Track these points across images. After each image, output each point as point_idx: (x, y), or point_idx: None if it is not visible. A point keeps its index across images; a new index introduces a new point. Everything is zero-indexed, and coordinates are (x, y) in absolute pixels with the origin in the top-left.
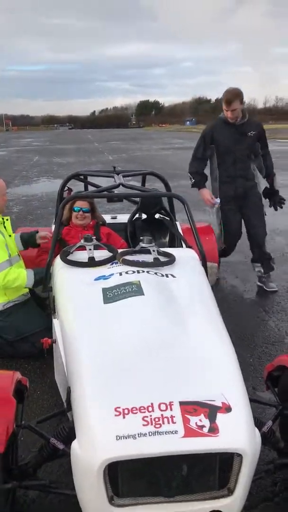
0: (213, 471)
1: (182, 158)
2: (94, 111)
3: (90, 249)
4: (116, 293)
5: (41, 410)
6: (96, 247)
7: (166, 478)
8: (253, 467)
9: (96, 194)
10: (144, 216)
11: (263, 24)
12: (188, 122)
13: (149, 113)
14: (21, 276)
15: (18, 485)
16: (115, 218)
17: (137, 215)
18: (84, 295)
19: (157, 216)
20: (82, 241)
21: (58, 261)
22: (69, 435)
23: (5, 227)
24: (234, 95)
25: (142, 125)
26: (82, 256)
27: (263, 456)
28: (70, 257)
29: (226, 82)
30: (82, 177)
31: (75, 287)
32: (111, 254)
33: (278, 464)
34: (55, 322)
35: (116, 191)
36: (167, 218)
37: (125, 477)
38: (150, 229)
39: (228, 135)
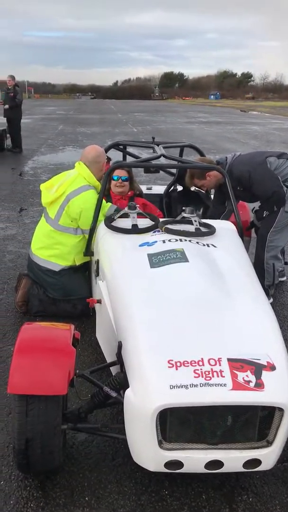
0: (253, 424)
1: (208, 132)
2: (117, 81)
3: (133, 217)
4: (161, 259)
5: (82, 366)
6: (138, 216)
7: (211, 427)
8: None
9: (140, 163)
10: (180, 188)
11: None
12: (212, 96)
13: (172, 85)
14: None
15: (73, 427)
16: (150, 189)
17: (173, 187)
18: (131, 259)
19: (192, 188)
20: (126, 208)
21: (102, 227)
22: (121, 384)
23: None
24: None
25: (165, 97)
26: (125, 223)
27: None
28: (113, 224)
29: (253, 56)
30: (121, 146)
31: (121, 252)
32: (153, 223)
33: None
34: (100, 283)
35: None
36: (202, 191)
37: (173, 424)
38: (185, 201)
39: None
